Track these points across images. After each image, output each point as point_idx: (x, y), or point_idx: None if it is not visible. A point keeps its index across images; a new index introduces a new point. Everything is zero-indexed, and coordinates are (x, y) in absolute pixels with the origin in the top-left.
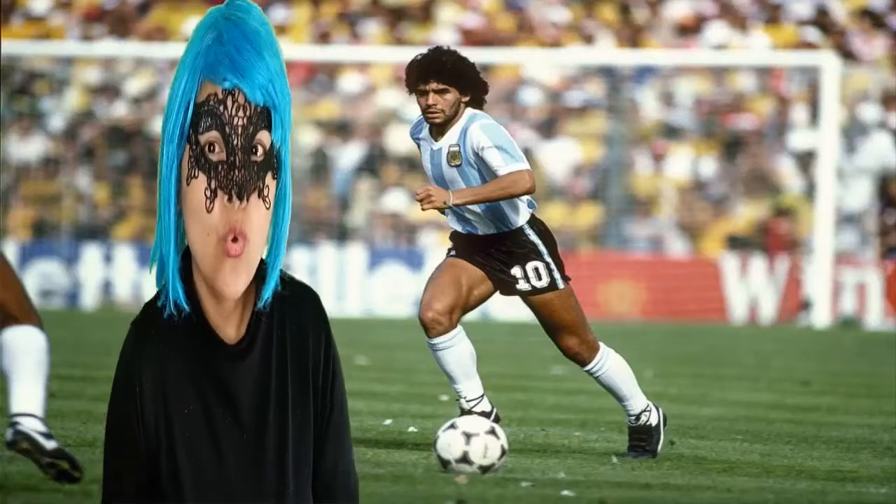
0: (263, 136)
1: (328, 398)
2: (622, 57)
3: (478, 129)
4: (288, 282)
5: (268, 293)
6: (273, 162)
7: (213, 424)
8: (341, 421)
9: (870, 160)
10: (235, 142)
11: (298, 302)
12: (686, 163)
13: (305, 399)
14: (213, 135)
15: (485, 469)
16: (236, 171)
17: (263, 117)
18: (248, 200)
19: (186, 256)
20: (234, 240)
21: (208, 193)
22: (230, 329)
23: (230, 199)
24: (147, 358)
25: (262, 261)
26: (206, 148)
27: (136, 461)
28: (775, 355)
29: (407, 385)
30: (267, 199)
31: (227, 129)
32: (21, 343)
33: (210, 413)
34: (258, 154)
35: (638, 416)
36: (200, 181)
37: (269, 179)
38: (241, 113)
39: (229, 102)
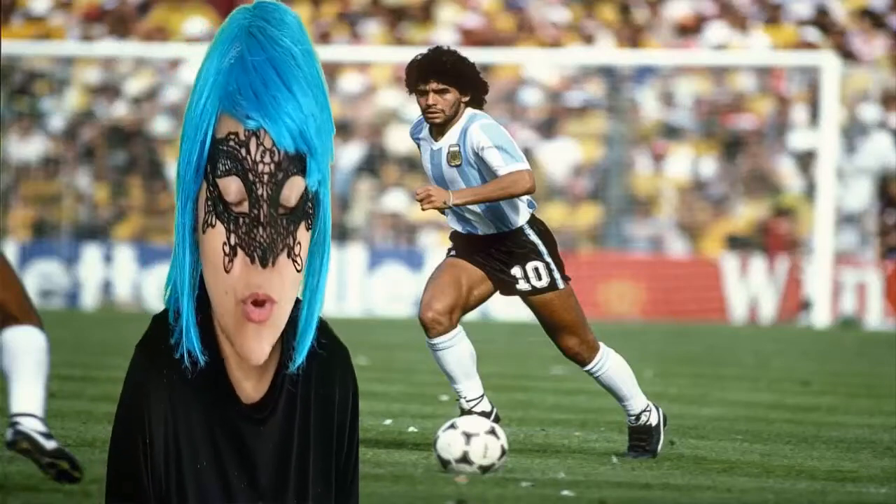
0: (296, 183)
1: (350, 465)
2: (622, 57)
3: (478, 129)
4: (320, 334)
5: (300, 358)
6: (308, 209)
7: (228, 485)
8: (355, 484)
9: (870, 160)
10: (261, 192)
11: (327, 361)
12: (686, 163)
13: (328, 468)
14: (235, 182)
15: (485, 469)
16: (261, 230)
17: (296, 162)
18: (273, 265)
19: (202, 296)
20: (257, 303)
21: (227, 250)
22: (250, 386)
23: (252, 262)
24: (156, 396)
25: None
26: (226, 195)
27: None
28: (775, 355)
29: (407, 385)
30: (298, 260)
31: (251, 177)
32: (21, 343)
33: (225, 473)
34: (289, 205)
35: (638, 416)
36: (218, 232)
37: (301, 233)
38: (266, 158)
39: (253, 146)
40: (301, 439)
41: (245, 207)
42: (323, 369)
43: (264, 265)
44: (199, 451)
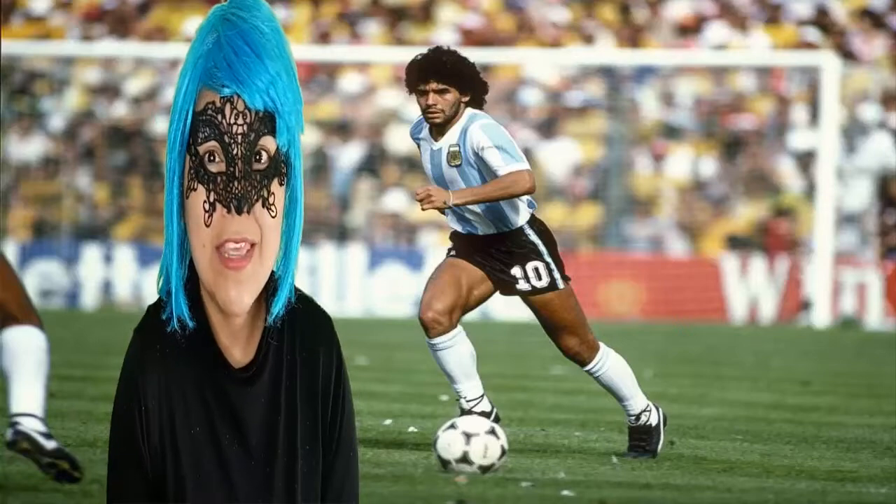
0: (267, 142)
1: (337, 422)
2: (622, 57)
3: (478, 129)
4: (298, 300)
5: (278, 308)
6: (280, 168)
7: (220, 449)
8: (350, 446)
9: (870, 160)
10: (235, 151)
11: (309, 322)
12: (686, 163)
13: (315, 426)
14: (212, 145)
15: (485, 469)
16: (236, 183)
17: (266, 122)
18: (248, 212)
19: (193, 272)
20: (235, 250)
21: (207, 206)
22: (238, 351)
23: (229, 212)
24: (151, 370)
25: (271, 274)
26: (206, 158)
27: (142, 481)
28: (775, 355)
29: (407, 385)
30: (273, 208)
31: (227, 139)
32: (21, 343)
33: (217, 437)
34: (262, 161)
35: (638, 416)
36: (199, 193)
37: (274, 187)
38: (240, 120)
39: (227, 110)
40: (288, 398)
41: (222, 167)
42: (306, 330)
43: (239, 212)
44: (192, 417)
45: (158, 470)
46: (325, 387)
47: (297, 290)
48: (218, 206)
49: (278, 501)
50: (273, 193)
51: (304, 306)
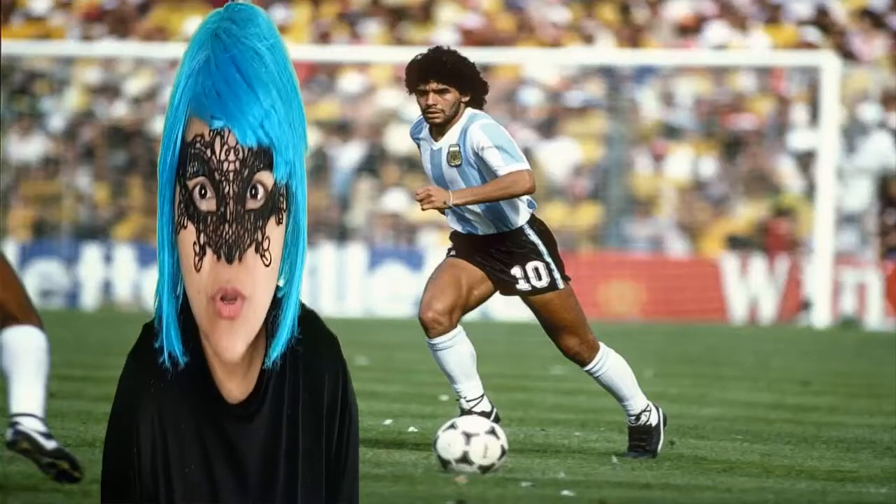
0: (264, 177)
1: (344, 442)
2: (622, 57)
3: (478, 129)
4: (302, 320)
5: (276, 353)
6: (278, 204)
7: (216, 488)
8: (355, 470)
9: (870, 160)
10: (227, 189)
11: (313, 346)
12: (686, 163)
13: (318, 454)
14: (201, 181)
15: (485, 469)
16: (227, 227)
17: (261, 158)
18: (240, 260)
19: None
20: (228, 299)
21: (196, 249)
22: (234, 386)
23: (219, 259)
24: (144, 409)
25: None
26: (196, 193)
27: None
28: (775, 355)
29: (407, 385)
30: (267, 255)
31: (217, 176)
32: (21, 343)
33: (212, 475)
34: (258, 198)
35: (638, 416)
36: (189, 233)
37: (270, 228)
38: (231, 156)
39: (217, 145)
40: (290, 432)
41: (213, 205)
42: (309, 359)
43: (230, 261)
44: (186, 455)
45: (151, 497)
46: (330, 410)
47: (302, 306)
48: (208, 250)
49: None
50: (268, 237)
51: (309, 331)
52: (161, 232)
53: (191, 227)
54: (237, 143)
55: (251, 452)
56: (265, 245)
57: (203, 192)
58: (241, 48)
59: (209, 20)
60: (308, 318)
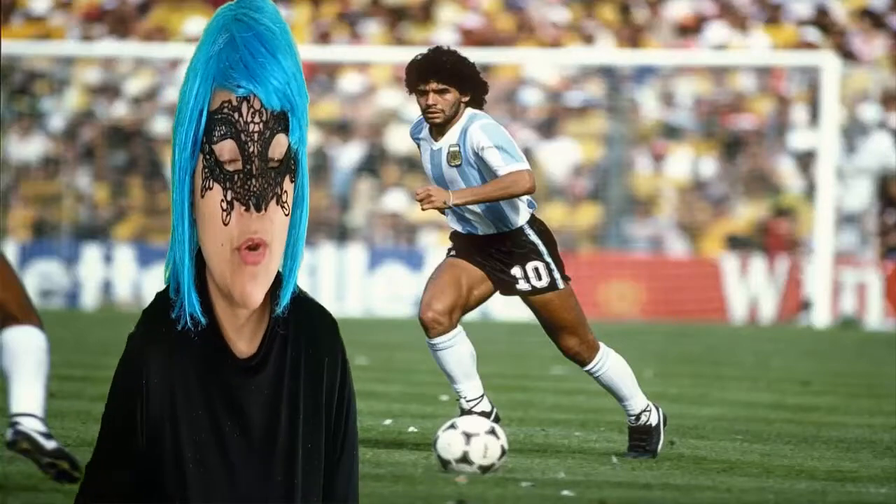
0: (281, 140)
1: (342, 424)
2: (622, 57)
3: (478, 129)
4: (304, 301)
5: (286, 300)
6: (291, 165)
7: (221, 434)
8: (353, 455)
9: (870, 160)
10: (252, 149)
11: (315, 327)
12: (686, 163)
13: (318, 427)
14: (228, 143)
15: (485, 469)
16: (254, 181)
17: (280, 121)
18: (265, 210)
19: (199, 265)
20: (253, 248)
21: (224, 206)
22: (242, 343)
23: (247, 210)
24: (157, 347)
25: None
26: (221, 157)
27: (131, 456)
28: (775, 355)
29: (407, 385)
30: (286, 206)
31: (244, 137)
32: (21, 343)
33: (218, 423)
34: (275, 159)
35: (638, 416)
36: (216, 192)
37: (286, 184)
38: (256, 118)
39: (244, 109)
40: (291, 394)
41: (239, 165)
42: (312, 333)
43: (259, 210)
44: (194, 401)
45: (156, 449)
46: (329, 391)
47: (303, 292)
48: (236, 203)
49: (277, 494)
50: (286, 191)
51: (310, 309)
52: (180, 204)
53: (217, 187)
54: (262, 106)
55: (255, 407)
56: (284, 198)
57: (228, 153)
58: (263, 30)
59: (225, 11)
60: (308, 300)
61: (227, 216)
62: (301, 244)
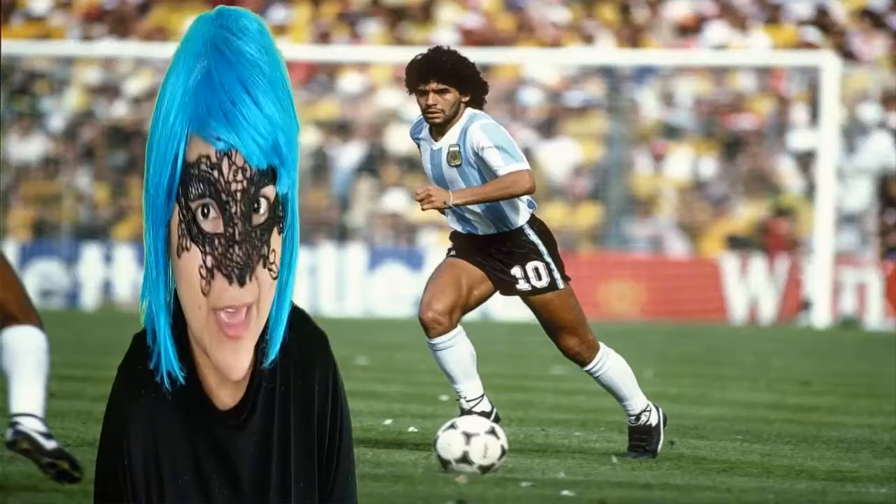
0: (268, 192)
1: (334, 460)
2: (622, 57)
3: (478, 129)
4: (295, 324)
5: (273, 355)
6: (278, 213)
7: (208, 493)
8: (347, 482)
9: (870, 160)
10: (234, 209)
11: (303, 346)
12: (686, 163)
13: (311, 463)
14: (207, 202)
15: (485, 469)
16: (236, 248)
17: (266, 175)
18: (250, 280)
19: (177, 308)
20: (233, 314)
21: (203, 273)
22: (226, 393)
23: (231, 283)
24: (136, 421)
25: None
26: (200, 212)
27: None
28: (775, 355)
29: (407, 385)
30: (272, 267)
31: (224, 197)
32: (21, 343)
33: (206, 484)
34: (261, 212)
35: (638, 416)
36: (194, 255)
37: (273, 239)
38: (238, 176)
39: (225, 167)
40: (282, 436)
41: (219, 226)
42: (300, 359)
43: (242, 283)
44: (179, 466)
45: None
46: (321, 412)
47: (296, 311)
48: (217, 273)
49: None
50: (273, 250)
51: (298, 331)
52: (154, 254)
53: (195, 250)
54: (245, 163)
55: (243, 460)
56: (271, 258)
57: (206, 211)
58: (245, 63)
59: (202, 28)
60: (296, 316)
61: (206, 285)
62: (288, 296)
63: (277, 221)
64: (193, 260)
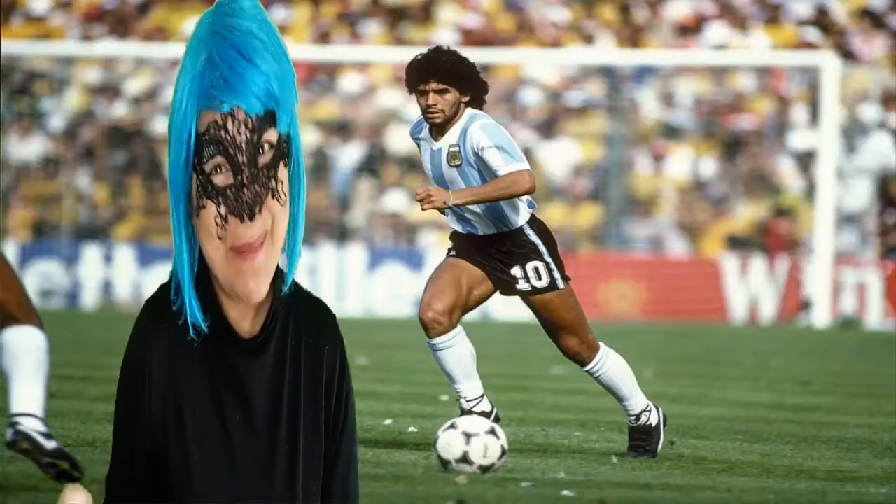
0: (270, 135)
1: (342, 411)
2: (622, 57)
3: (478, 129)
4: (305, 296)
5: (289, 280)
6: (283, 150)
7: (224, 419)
8: (351, 455)
9: (870, 160)
10: (241, 159)
11: (314, 315)
12: (686, 163)
13: (317, 412)
14: (218, 160)
15: (485, 469)
16: (245, 191)
17: (267, 119)
18: (260, 213)
19: (202, 264)
20: (248, 250)
21: (219, 221)
22: (246, 323)
23: (242, 221)
24: (157, 342)
25: None
26: (213, 172)
27: (144, 453)
28: (775, 355)
29: (407, 385)
30: (281, 196)
31: (232, 151)
32: (21, 343)
33: (222, 409)
34: (265, 153)
35: (638, 416)
36: (210, 209)
37: (280, 172)
38: (242, 129)
39: (230, 125)
40: (293, 375)
41: (230, 178)
42: (312, 322)
43: (252, 218)
44: (197, 390)
45: (162, 440)
46: (329, 379)
47: (306, 291)
48: (230, 217)
49: (279, 474)
50: (280, 180)
51: (311, 303)
52: (178, 224)
53: (210, 205)
54: (247, 116)
55: (258, 386)
56: (279, 189)
57: (218, 169)
58: (239, 34)
59: (205, 20)
60: (308, 293)
61: (222, 230)
62: (300, 224)
63: (283, 156)
64: (209, 213)
